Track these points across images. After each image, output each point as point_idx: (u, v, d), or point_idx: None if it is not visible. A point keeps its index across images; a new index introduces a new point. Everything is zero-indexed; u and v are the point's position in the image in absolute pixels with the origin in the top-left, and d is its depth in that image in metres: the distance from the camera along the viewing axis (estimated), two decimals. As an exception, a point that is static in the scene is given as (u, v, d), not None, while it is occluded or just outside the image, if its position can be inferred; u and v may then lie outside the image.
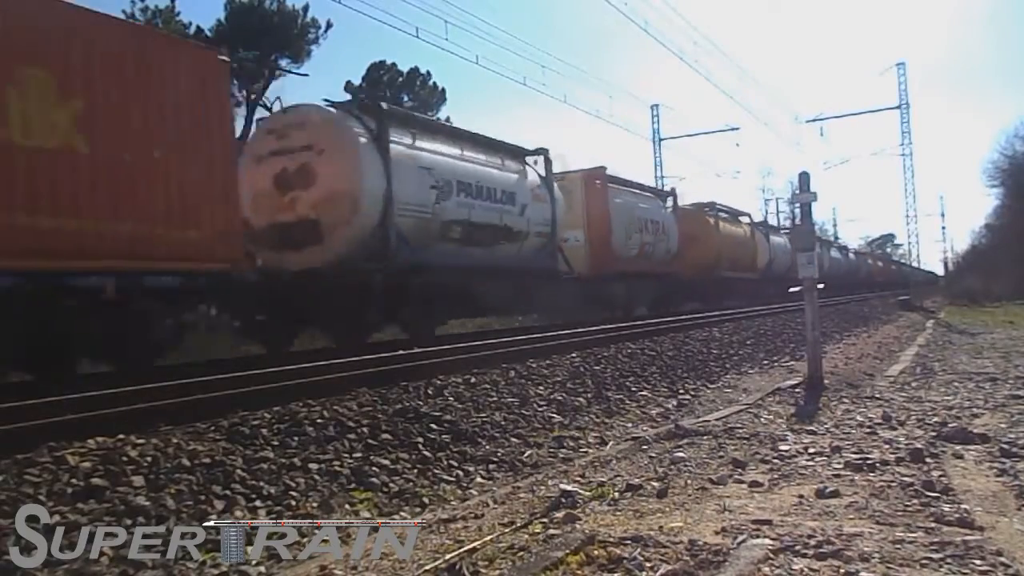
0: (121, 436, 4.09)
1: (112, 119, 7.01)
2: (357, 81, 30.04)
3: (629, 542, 2.60)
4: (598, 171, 17.33)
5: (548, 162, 14.50)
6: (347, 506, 3.76)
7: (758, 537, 2.62)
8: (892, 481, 3.41)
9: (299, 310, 10.08)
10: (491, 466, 4.62)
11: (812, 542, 2.54)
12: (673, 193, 22.46)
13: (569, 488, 3.52)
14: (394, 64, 30.03)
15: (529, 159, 14.28)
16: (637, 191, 19.73)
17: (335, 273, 9.90)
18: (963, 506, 3.00)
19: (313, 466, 4.08)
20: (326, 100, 10.94)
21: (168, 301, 7.80)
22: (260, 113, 23.30)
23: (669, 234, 19.91)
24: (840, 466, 3.76)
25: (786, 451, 4.23)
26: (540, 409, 6.04)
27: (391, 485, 4.07)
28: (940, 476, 3.50)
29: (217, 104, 8.21)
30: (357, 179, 9.98)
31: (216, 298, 8.93)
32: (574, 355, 8.47)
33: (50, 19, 6.69)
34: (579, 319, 13.82)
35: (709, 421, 5.48)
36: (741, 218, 27.57)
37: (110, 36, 7.29)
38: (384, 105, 11.25)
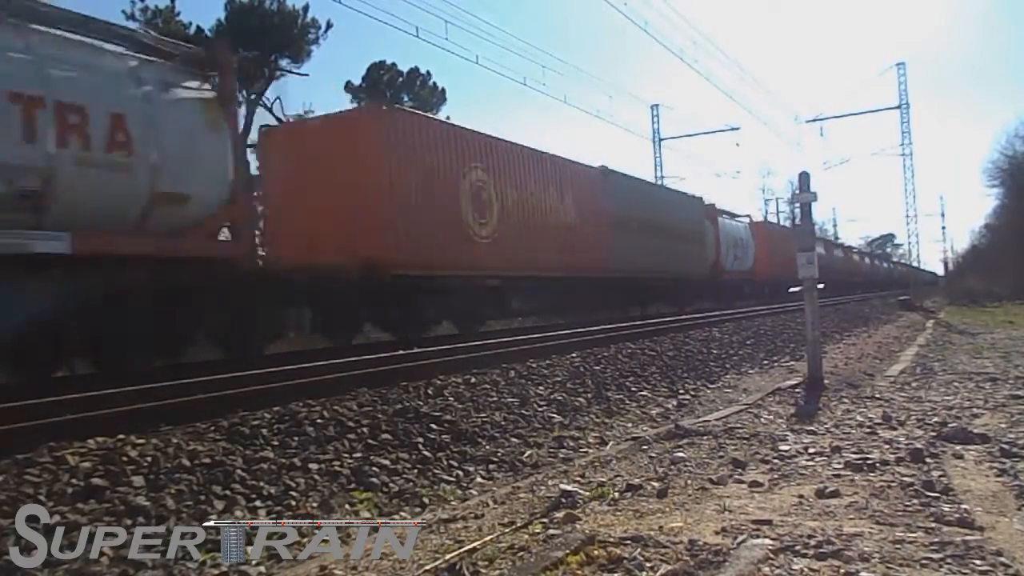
0: (121, 436, 4.09)
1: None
2: (357, 81, 30.11)
3: (629, 542, 2.60)
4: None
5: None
6: (347, 506, 3.76)
7: (758, 537, 2.62)
8: (892, 481, 3.41)
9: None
10: (491, 466, 4.62)
11: (812, 542, 2.53)
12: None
13: (569, 488, 3.51)
14: (394, 64, 30.13)
15: None
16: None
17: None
18: (963, 506, 2.99)
19: (313, 466, 4.08)
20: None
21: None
22: (260, 113, 23.34)
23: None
24: (840, 466, 3.76)
25: (786, 451, 4.23)
26: (540, 409, 6.04)
27: (391, 485, 4.07)
28: (940, 476, 3.49)
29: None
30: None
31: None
32: (574, 355, 8.47)
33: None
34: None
35: (709, 421, 5.48)
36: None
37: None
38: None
